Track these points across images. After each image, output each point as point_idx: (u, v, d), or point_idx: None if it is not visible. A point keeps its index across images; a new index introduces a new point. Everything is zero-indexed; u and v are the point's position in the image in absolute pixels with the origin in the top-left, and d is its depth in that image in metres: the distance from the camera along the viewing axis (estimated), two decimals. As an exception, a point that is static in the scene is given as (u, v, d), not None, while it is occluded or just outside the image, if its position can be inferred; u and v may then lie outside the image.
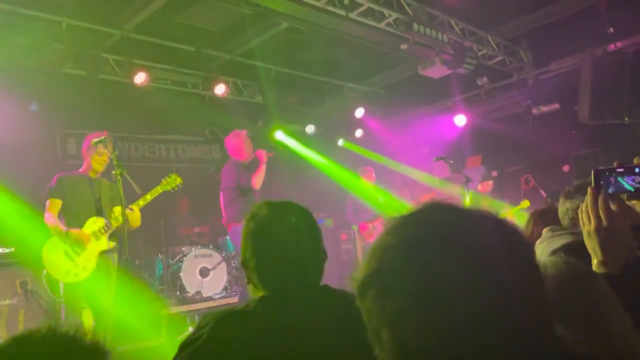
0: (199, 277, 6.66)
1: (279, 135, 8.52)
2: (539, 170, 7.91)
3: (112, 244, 4.44)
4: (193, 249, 6.83)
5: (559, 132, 7.78)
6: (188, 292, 6.53)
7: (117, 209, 4.33)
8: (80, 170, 4.60)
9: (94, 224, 4.39)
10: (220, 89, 7.45)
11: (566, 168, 7.84)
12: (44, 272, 4.41)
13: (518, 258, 0.75)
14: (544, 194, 6.91)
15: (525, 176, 7.49)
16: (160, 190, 4.55)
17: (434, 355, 0.70)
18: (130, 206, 4.34)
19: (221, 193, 5.58)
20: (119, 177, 4.29)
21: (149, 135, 8.32)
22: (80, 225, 4.34)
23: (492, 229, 0.77)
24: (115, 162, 4.39)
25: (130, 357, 4.30)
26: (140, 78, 6.67)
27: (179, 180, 4.63)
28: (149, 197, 4.48)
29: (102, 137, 4.46)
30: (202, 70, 7.44)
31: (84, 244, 4.29)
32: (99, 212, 4.46)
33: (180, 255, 6.79)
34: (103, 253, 4.39)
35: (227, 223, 5.53)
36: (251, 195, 5.39)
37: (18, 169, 5.61)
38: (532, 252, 0.78)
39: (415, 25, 6.01)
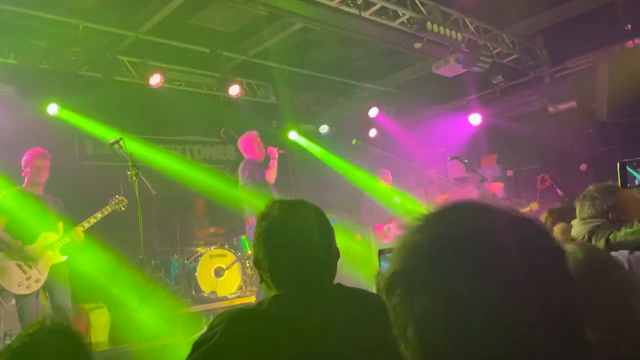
0: (214, 277, 6.69)
1: (293, 136, 8.52)
2: (556, 169, 7.80)
3: (64, 256, 4.52)
4: (208, 249, 6.86)
5: (576, 130, 7.67)
6: (203, 291, 6.57)
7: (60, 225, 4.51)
8: (23, 185, 4.60)
9: (46, 238, 4.45)
10: (234, 90, 7.49)
11: (583, 167, 7.72)
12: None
13: (546, 261, 0.74)
14: (560, 193, 6.82)
15: (542, 175, 7.39)
16: (110, 209, 4.73)
17: (459, 355, 0.70)
18: (82, 224, 4.53)
19: (240, 189, 5.66)
20: (134, 177, 4.34)
21: (164, 137, 8.37)
22: (31, 240, 4.39)
23: (521, 231, 0.75)
24: (130, 163, 4.45)
25: (145, 355, 4.34)
26: (155, 80, 6.74)
27: (125, 201, 4.83)
28: (99, 215, 4.63)
29: (118, 138, 4.51)
30: (216, 71, 7.48)
31: (39, 258, 4.36)
32: (49, 228, 4.52)
33: (196, 255, 6.83)
34: (56, 265, 4.47)
35: (246, 217, 5.62)
36: (268, 189, 5.49)
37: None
38: (562, 254, 0.76)
39: (429, 24, 5.98)
